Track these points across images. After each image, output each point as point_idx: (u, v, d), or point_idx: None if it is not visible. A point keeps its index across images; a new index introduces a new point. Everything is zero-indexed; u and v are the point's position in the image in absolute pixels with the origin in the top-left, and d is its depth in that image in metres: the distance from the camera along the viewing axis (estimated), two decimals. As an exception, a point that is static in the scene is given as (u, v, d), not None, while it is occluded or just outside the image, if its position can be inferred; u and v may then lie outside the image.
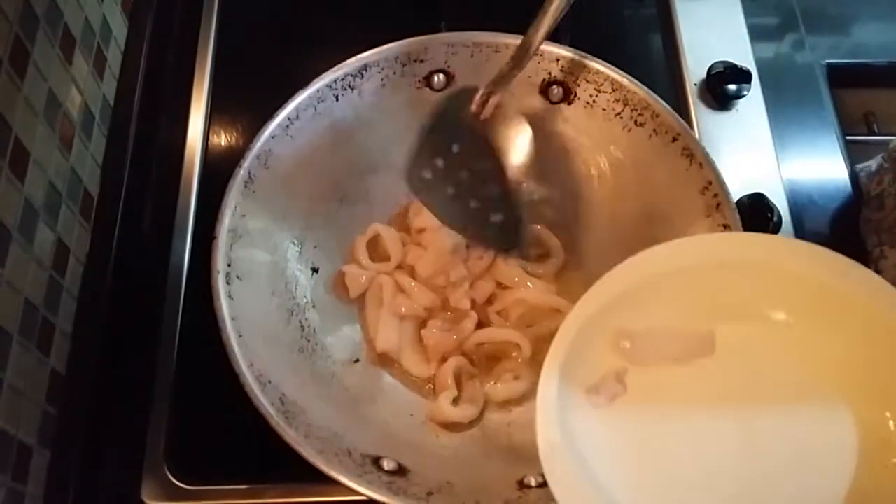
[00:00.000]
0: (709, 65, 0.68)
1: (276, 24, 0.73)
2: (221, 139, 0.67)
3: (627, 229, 0.57)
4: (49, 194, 0.52)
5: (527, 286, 0.57)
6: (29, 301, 0.49)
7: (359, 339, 0.56)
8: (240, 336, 0.47)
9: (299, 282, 0.55)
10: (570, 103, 0.58)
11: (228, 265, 0.49)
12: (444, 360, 0.55)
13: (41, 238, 0.51)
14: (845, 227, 0.64)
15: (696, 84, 0.69)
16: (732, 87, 0.67)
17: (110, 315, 0.57)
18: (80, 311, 0.55)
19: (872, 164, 0.65)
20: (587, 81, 0.57)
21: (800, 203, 0.65)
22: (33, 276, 0.49)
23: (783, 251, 0.46)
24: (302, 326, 0.54)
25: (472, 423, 0.53)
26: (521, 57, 0.50)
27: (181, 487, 0.53)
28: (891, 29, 0.75)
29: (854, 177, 0.66)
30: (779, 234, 0.61)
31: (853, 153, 0.68)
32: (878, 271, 0.60)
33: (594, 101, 0.57)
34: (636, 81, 0.55)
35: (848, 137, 0.69)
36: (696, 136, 0.55)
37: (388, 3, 0.73)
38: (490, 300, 0.57)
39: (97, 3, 0.61)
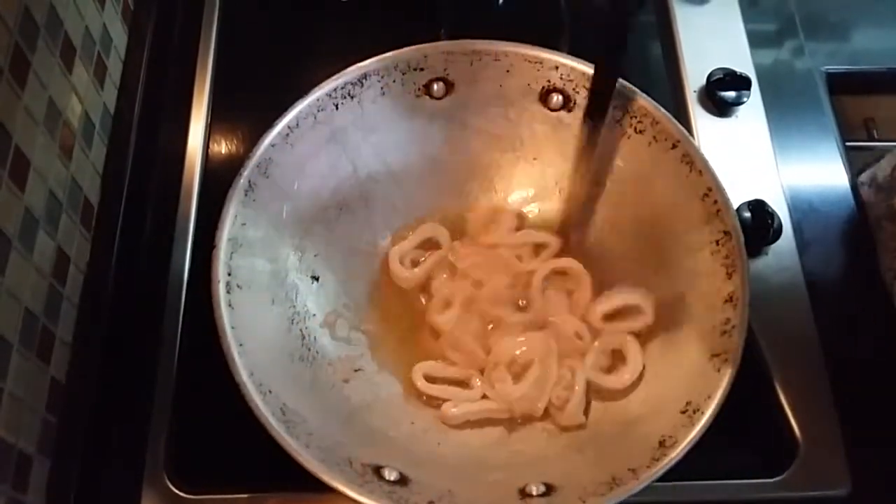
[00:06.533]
0: (708, 71, 0.68)
1: (276, 32, 0.73)
2: (222, 147, 0.67)
3: (627, 237, 0.57)
4: (49, 203, 0.52)
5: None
6: (29, 310, 0.49)
7: (361, 348, 0.56)
8: (240, 345, 0.46)
9: (300, 290, 0.55)
10: (569, 111, 0.58)
11: (229, 274, 0.49)
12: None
13: (41, 247, 0.50)
14: (845, 234, 0.64)
15: (695, 91, 0.69)
16: (732, 93, 0.67)
17: (110, 323, 0.57)
18: (80, 320, 0.55)
19: (877, 173, 0.64)
20: (586, 89, 0.56)
21: (800, 209, 0.64)
22: (33, 285, 0.49)
23: None
24: (303, 335, 0.53)
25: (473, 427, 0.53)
26: None
27: (181, 496, 0.52)
28: (890, 35, 0.75)
29: (854, 185, 0.66)
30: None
31: (853, 159, 0.67)
32: (892, 293, 0.60)
33: (593, 108, 0.57)
34: (635, 88, 0.55)
35: (848, 143, 0.69)
36: (696, 143, 0.55)
37: (387, 11, 0.73)
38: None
39: (97, 12, 0.61)
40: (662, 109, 0.55)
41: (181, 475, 0.53)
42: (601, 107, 0.54)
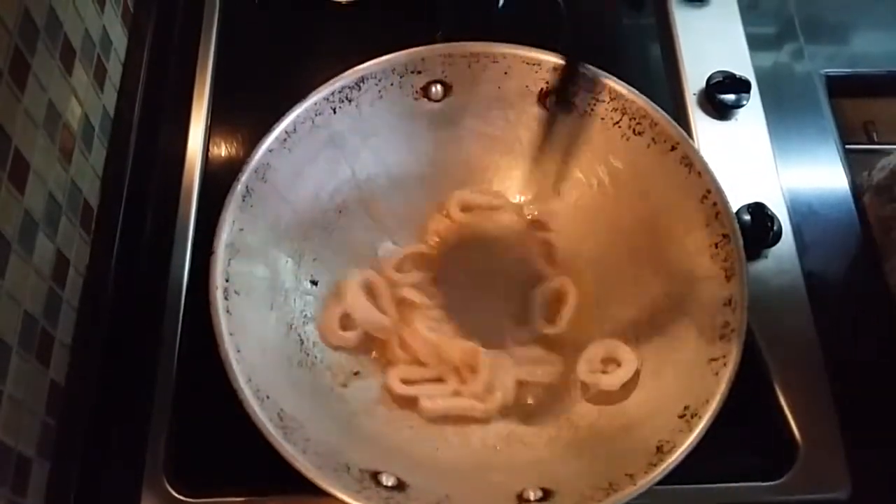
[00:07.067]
0: (708, 74, 0.68)
1: (276, 35, 0.73)
2: (222, 150, 0.67)
3: (627, 239, 0.57)
4: (49, 206, 0.52)
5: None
6: (28, 312, 0.49)
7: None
8: (238, 351, 0.46)
9: (298, 295, 0.55)
10: (567, 112, 0.58)
11: (227, 280, 0.49)
12: None
13: (41, 249, 0.51)
14: (845, 236, 0.64)
15: (695, 93, 0.68)
16: (731, 96, 0.67)
17: (110, 326, 0.58)
18: (79, 323, 0.55)
19: (877, 175, 0.64)
20: (585, 91, 0.56)
21: (800, 212, 0.64)
22: (33, 288, 0.49)
23: None
24: (301, 340, 0.53)
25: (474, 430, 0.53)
26: None
27: (181, 499, 0.52)
28: (890, 38, 0.75)
29: (854, 187, 0.66)
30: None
31: (853, 162, 0.67)
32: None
33: (592, 111, 0.57)
34: (634, 90, 0.55)
35: (847, 146, 0.68)
36: (696, 145, 0.55)
37: (387, 12, 0.73)
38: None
39: (97, 14, 0.61)
40: (661, 111, 0.55)
41: (180, 477, 0.53)
42: (566, 96, 0.56)
